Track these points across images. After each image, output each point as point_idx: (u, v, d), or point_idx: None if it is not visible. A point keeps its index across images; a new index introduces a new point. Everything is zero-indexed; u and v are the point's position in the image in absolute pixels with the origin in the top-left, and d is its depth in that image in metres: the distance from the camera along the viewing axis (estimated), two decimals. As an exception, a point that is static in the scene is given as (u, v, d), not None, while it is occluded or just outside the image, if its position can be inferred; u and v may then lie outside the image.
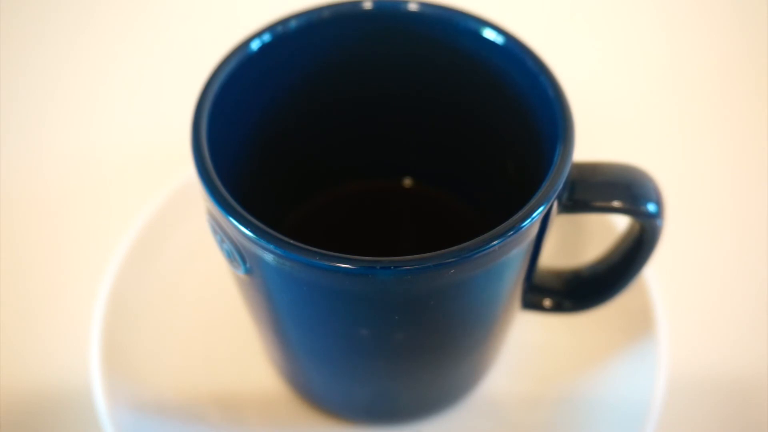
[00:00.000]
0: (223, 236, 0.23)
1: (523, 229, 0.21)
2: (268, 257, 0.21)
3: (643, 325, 0.32)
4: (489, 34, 0.26)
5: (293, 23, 0.26)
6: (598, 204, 0.24)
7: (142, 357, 0.32)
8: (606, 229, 0.34)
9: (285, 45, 0.26)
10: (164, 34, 0.47)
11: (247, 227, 0.21)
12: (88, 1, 0.48)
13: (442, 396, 0.31)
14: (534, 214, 0.21)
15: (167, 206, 0.35)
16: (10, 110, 0.43)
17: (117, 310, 0.32)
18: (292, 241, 0.20)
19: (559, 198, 0.23)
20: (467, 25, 0.26)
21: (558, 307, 0.30)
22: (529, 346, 0.33)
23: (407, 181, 0.33)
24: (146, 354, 0.32)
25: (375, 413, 0.31)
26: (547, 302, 0.29)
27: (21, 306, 0.35)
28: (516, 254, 0.22)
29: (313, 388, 0.31)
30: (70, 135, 0.42)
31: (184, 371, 0.32)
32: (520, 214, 0.21)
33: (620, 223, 0.33)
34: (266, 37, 0.25)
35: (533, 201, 0.21)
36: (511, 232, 0.21)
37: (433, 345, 0.26)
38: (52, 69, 0.45)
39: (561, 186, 0.22)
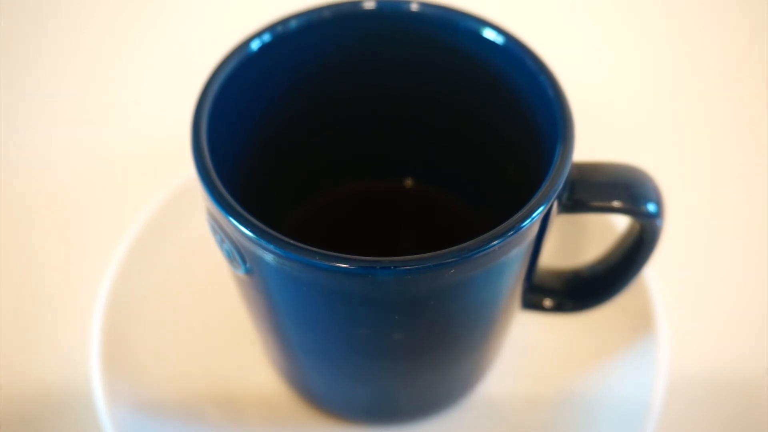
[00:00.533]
0: (223, 236, 0.23)
1: (523, 229, 0.21)
2: (268, 257, 0.21)
3: (643, 325, 0.32)
4: (489, 34, 0.26)
5: (293, 23, 0.26)
6: (598, 204, 0.24)
7: (142, 356, 0.32)
8: (606, 229, 0.34)
9: (285, 45, 0.26)
10: (164, 34, 0.47)
11: (247, 227, 0.21)
12: (88, 1, 0.48)
13: (442, 396, 0.31)
14: (534, 214, 0.21)
15: (167, 206, 0.35)
16: (11, 110, 0.43)
17: (117, 309, 0.32)
18: (292, 241, 0.20)
19: (559, 198, 0.23)
20: (467, 25, 0.26)
21: (558, 307, 0.30)
22: (529, 346, 0.33)
23: (407, 182, 0.33)
24: (146, 353, 0.32)
25: (375, 413, 0.31)
26: (547, 302, 0.29)
27: (21, 306, 0.35)
28: (516, 254, 0.22)
29: (312, 388, 0.31)
30: (70, 135, 0.42)
31: (184, 371, 0.32)
32: (520, 214, 0.21)
33: (620, 223, 0.33)
34: (266, 37, 0.25)
35: (533, 201, 0.21)
36: (511, 232, 0.21)
37: (433, 345, 0.26)
38: (53, 69, 0.45)
39: (561, 186, 0.22)
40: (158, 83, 0.45)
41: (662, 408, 0.30)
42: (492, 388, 0.32)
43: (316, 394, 0.31)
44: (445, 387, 0.30)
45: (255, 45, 0.25)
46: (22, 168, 0.40)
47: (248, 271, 0.23)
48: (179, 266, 0.34)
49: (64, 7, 0.48)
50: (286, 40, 0.26)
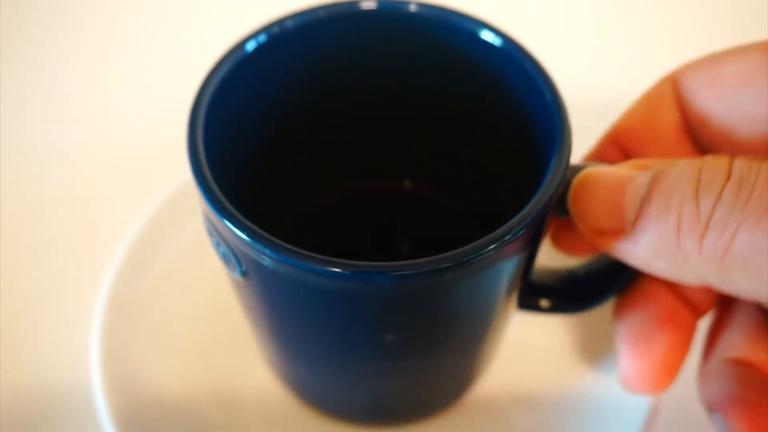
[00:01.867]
0: (219, 239, 0.23)
1: (518, 234, 0.21)
2: (263, 261, 0.21)
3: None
4: (487, 36, 0.26)
5: (290, 23, 0.26)
6: None
7: (142, 357, 0.32)
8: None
9: (281, 46, 0.26)
10: (162, 35, 0.47)
11: (242, 231, 0.21)
12: (86, 2, 0.48)
13: (438, 396, 0.31)
14: (529, 219, 0.21)
15: (168, 206, 0.35)
16: (10, 111, 0.43)
17: (117, 309, 0.32)
18: (287, 246, 0.20)
19: (555, 202, 0.23)
20: (465, 27, 0.26)
21: (555, 308, 0.29)
22: (526, 346, 0.33)
23: (406, 182, 0.33)
24: (146, 354, 0.32)
25: (371, 414, 0.31)
26: (544, 302, 0.29)
27: (21, 306, 0.35)
28: (512, 258, 0.22)
29: (309, 389, 0.31)
30: (70, 135, 0.42)
31: (184, 371, 0.32)
32: (516, 218, 0.21)
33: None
34: (262, 38, 0.25)
35: (529, 206, 0.21)
36: (507, 237, 0.21)
37: (429, 347, 0.25)
38: (52, 70, 0.45)
39: (556, 191, 0.22)
40: (157, 84, 0.44)
41: (662, 408, 0.30)
42: (489, 389, 0.32)
43: (312, 396, 0.31)
44: (441, 387, 0.30)
45: (251, 46, 0.25)
46: (21, 169, 0.40)
47: (244, 274, 0.23)
48: (179, 266, 0.34)
49: (63, 8, 0.48)
50: (283, 40, 0.26)
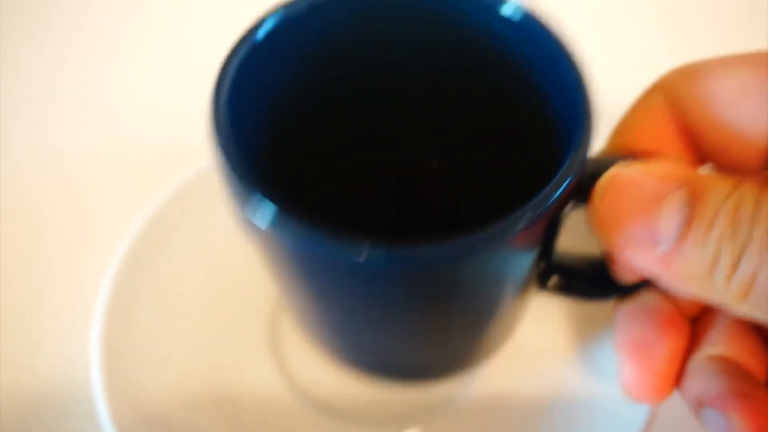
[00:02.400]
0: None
1: (533, 221, 0.20)
2: (284, 243, 0.21)
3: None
4: (507, 10, 0.24)
5: (302, 5, 0.24)
6: None
7: (142, 356, 0.31)
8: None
9: (296, 29, 0.25)
10: (162, 35, 0.47)
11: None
12: (86, 2, 0.48)
13: (463, 357, 0.30)
14: (544, 208, 0.20)
15: (169, 206, 0.34)
16: (11, 109, 0.43)
17: (117, 310, 0.32)
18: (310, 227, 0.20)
19: (575, 186, 0.21)
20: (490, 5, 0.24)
21: (579, 291, 0.28)
22: (528, 348, 0.33)
23: (433, 164, 0.32)
24: (146, 354, 0.32)
25: (376, 372, 0.31)
26: (564, 283, 0.28)
27: (21, 306, 0.35)
28: (522, 249, 0.22)
29: (329, 345, 0.30)
30: (69, 135, 0.42)
31: (185, 371, 0.32)
32: (529, 205, 0.20)
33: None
34: (275, 23, 0.24)
35: (546, 190, 0.20)
36: (518, 226, 0.20)
37: (444, 322, 0.25)
38: (51, 70, 0.45)
39: (577, 174, 0.21)
40: (157, 84, 0.44)
41: (660, 412, 0.30)
42: (490, 391, 0.32)
43: (333, 352, 0.30)
44: (464, 350, 0.29)
45: (262, 32, 0.24)
46: (21, 169, 0.40)
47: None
48: (179, 266, 0.34)
49: (62, 7, 0.48)
50: (297, 24, 0.25)
